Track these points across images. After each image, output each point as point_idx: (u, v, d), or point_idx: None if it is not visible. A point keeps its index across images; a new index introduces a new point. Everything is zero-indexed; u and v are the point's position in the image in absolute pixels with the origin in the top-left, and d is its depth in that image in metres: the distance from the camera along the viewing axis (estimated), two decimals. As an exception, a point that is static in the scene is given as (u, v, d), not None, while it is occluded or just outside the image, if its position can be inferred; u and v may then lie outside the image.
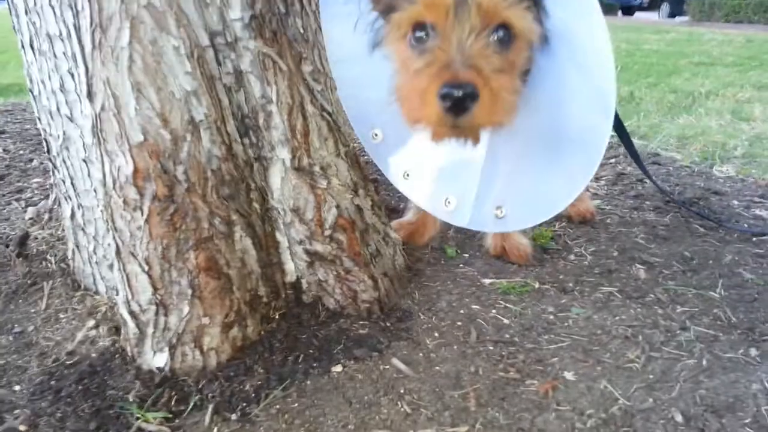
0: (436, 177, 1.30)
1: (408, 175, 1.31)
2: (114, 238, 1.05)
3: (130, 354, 1.06)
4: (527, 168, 1.20)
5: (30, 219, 1.58)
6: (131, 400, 0.96)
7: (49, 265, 1.36)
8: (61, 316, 1.21)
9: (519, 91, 1.02)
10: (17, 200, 1.79)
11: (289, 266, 1.16)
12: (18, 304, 1.25)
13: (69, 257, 1.33)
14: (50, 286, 1.29)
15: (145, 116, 0.98)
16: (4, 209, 1.73)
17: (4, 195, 1.82)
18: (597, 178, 2.09)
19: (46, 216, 1.54)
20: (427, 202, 1.32)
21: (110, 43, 0.95)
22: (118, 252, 1.05)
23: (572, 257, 1.46)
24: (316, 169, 1.14)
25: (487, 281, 1.33)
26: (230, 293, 1.06)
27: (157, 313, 1.03)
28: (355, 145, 1.26)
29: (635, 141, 2.79)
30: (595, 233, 1.58)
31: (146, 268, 1.02)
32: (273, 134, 1.10)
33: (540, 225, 1.59)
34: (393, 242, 1.30)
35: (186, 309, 1.02)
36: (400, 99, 1.00)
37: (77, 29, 0.96)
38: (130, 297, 1.04)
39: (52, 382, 1.02)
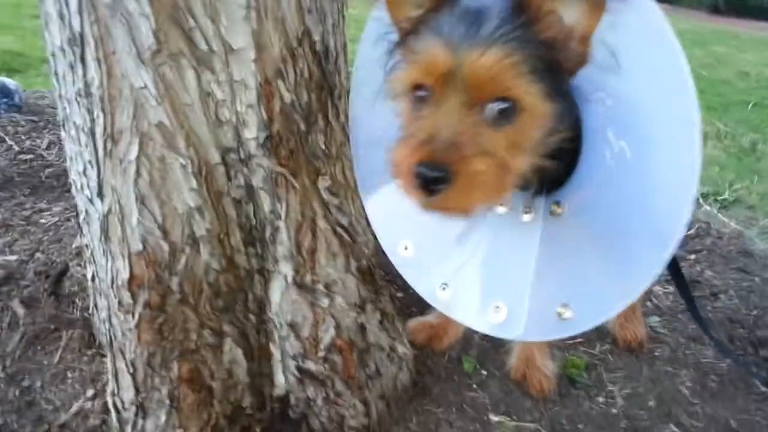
0: (481, 281, 1.11)
1: (446, 285, 1.12)
2: (108, 331, 1.06)
3: (110, 443, 1.08)
4: (590, 257, 1.03)
5: (76, 248, 1.65)
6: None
7: (74, 311, 1.42)
8: (69, 375, 1.26)
9: (517, 169, 0.87)
10: (76, 216, 1.88)
11: (279, 379, 1.13)
12: (36, 351, 1.32)
13: (91, 309, 1.37)
14: (69, 336, 1.35)
15: (147, 227, 0.98)
16: (62, 226, 1.83)
17: (67, 209, 1.92)
18: (667, 280, 1.90)
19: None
20: (470, 315, 1.10)
21: (119, 155, 0.95)
22: (110, 345, 1.06)
23: (601, 399, 1.33)
24: (319, 286, 1.09)
25: (494, 418, 1.24)
26: (209, 407, 1.05)
27: (136, 414, 1.04)
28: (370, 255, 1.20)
29: (737, 211, 2.51)
30: (637, 368, 1.43)
31: (131, 369, 1.03)
32: (278, 249, 1.06)
33: (577, 349, 1.47)
34: (400, 358, 1.24)
35: (163, 418, 1.02)
36: (390, 161, 0.87)
37: (92, 134, 0.96)
38: (116, 391, 1.06)
39: (34, 460, 1.05)
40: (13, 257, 1.64)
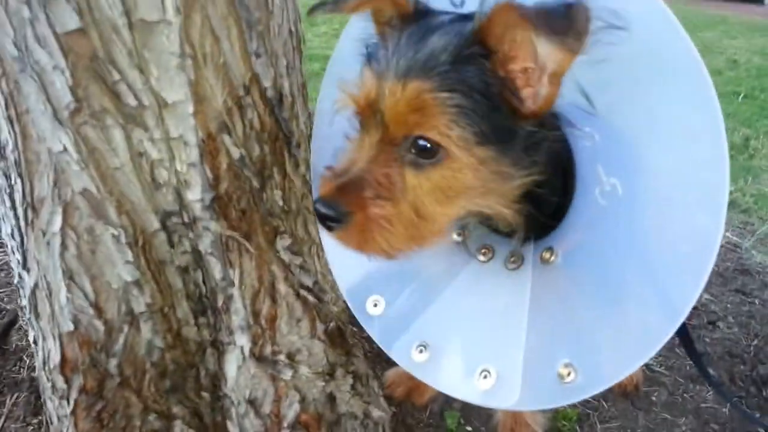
0: (464, 341, 0.96)
1: (425, 347, 0.96)
2: (45, 415, 0.94)
3: None
4: (589, 310, 0.91)
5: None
6: None
7: (21, 369, 1.30)
8: (10, 449, 1.14)
9: (443, 216, 0.78)
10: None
11: (239, 459, 1.02)
12: (-24, 419, 1.19)
13: (37, 371, 1.25)
14: (13, 401, 1.22)
15: (77, 305, 0.86)
16: (17, 265, 1.69)
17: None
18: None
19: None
20: (453, 382, 0.95)
21: (42, 226, 0.83)
22: (47, 429, 0.94)
23: (595, 455, 1.22)
24: (281, 357, 0.98)
25: (479, 484, 1.13)
26: (159, 498, 0.93)
27: None
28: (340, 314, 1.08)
29: (731, 216, 2.39)
30: (633, 416, 1.33)
31: (67, 461, 0.91)
32: (233, 319, 0.94)
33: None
34: (375, 423, 1.13)
35: None
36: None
37: (12, 201, 0.84)
38: (52, 481, 0.94)
39: None
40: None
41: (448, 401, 1.32)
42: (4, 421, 1.19)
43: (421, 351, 0.98)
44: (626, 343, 0.83)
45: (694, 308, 1.76)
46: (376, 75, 0.73)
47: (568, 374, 0.84)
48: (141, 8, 0.73)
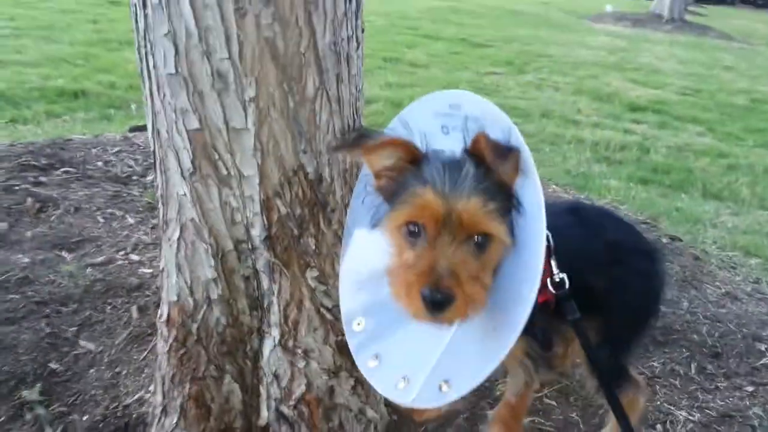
0: (402, 357, 1.30)
1: (376, 357, 1.30)
2: (157, 347, 1.50)
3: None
4: (482, 345, 1.19)
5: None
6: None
7: (167, 322, 1.91)
8: (145, 371, 1.74)
9: (489, 285, 1.11)
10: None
11: (264, 413, 1.48)
12: (133, 347, 1.83)
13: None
14: (155, 342, 1.84)
15: (180, 286, 1.40)
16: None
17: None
18: (699, 407, 1.87)
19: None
20: (382, 382, 1.29)
21: (168, 235, 1.38)
22: (156, 359, 1.50)
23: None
24: (299, 351, 1.42)
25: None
26: (206, 421, 1.43)
27: (161, 413, 1.46)
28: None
29: None
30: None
31: (161, 382, 1.46)
32: (271, 317, 1.41)
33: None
34: (368, 420, 1.51)
35: (175, 420, 1.43)
36: (392, 284, 1.13)
37: (158, 217, 1.41)
38: (153, 391, 1.50)
39: (99, 426, 1.54)
40: (149, 271, 2.21)
41: (444, 426, 1.64)
42: (148, 353, 1.81)
43: (373, 360, 1.34)
44: (474, 372, 1.15)
45: (730, 416, 1.82)
46: (439, 194, 1.06)
47: (445, 387, 1.17)
48: (233, 120, 1.23)
